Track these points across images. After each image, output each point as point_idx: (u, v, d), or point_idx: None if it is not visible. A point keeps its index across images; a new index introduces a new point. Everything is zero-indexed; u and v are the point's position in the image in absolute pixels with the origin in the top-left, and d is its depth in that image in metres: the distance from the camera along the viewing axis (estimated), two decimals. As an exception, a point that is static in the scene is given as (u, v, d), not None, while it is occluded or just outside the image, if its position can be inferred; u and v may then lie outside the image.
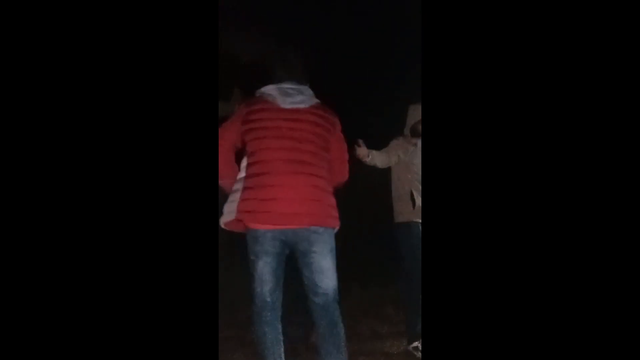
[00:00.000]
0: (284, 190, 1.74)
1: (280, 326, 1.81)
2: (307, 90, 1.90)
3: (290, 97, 1.84)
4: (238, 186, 1.88)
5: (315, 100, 1.89)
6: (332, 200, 1.83)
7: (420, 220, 2.56)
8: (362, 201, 4.87)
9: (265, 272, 1.77)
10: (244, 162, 1.91)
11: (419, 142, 2.66)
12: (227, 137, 1.89)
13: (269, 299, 1.78)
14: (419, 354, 2.56)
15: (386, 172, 2.77)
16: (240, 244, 1.94)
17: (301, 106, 1.84)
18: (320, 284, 1.76)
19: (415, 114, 2.67)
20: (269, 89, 1.87)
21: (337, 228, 1.84)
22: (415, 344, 2.59)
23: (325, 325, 1.77)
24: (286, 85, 1.86)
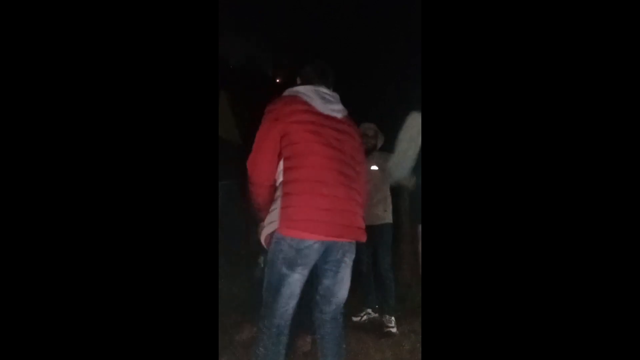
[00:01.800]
0: (339, 202, 1.64)
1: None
2: (338, 99, 1.82)
3: (329, 103, 1.75)
4: (278, 193, 1.70)
5: (346, 111, 1.82)
6: (363, 215, 1.79)
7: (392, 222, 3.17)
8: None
9: (298, 286, 1.64)
10: (281, 166, 1.71)
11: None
12: (269, 147, 1.69)
13: (289, 317, 1.65)
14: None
15: None
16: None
17: (339, 115, 1.76)
18: (337, 294, 1.74)
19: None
20: (307, 90, 1.74)
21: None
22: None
23: (331, 336, 1.74)
24: (323, 90, 1.76)
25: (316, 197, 1.61)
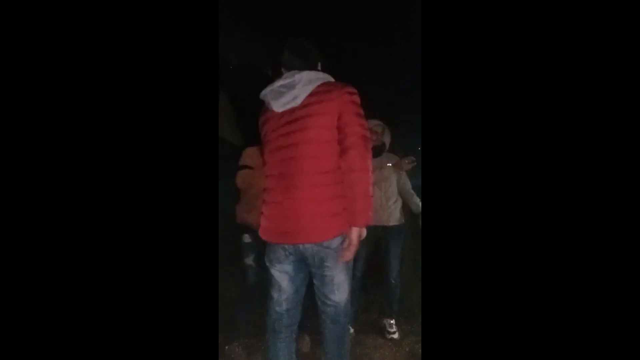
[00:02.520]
0: (277, 208, 1.64)
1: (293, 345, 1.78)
2: (305, 77, 1.61)
3: (282, 96, 1.62)
4: None
5: (315, 85, 1.60)
6: (337, 205, 1.57)
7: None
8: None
9: (284, 281, 1.73)
10: None
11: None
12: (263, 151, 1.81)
13: (283, 312, 1.74)
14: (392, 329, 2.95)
15: None
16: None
17: (294, 104, 1.60)
18: (330, 297, 1.69)
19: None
20: (264, 93, 1.70)
21: (345, 233, 1.61)
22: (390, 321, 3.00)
23: (332, 338, 1.72)
24: (278, 84, 1.65)
25: (265, 206, 1.72)
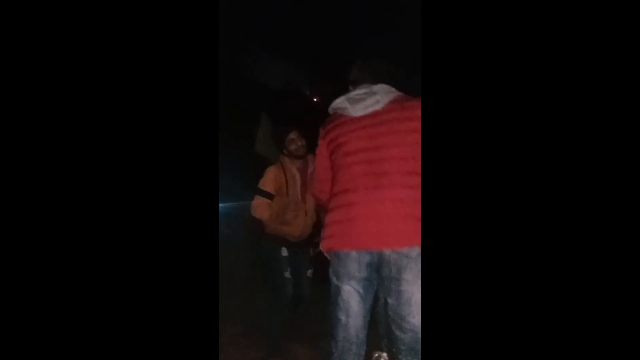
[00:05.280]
0: (362, 208, 1.53)
1: None
2: (383, 88, 1.65)
3: (363, 101, 1.64)
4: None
5: (394, 94, 1.64)
6: (420, 210, 1.45)
7: None
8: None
9: (354, 300, 1.55)
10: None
11: None
12: (321, 165, 1.80)
13: (354, 334, 1.55)
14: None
15: None
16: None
17: (377, 107, 1.61)
18: (407, 318, 1.46)
19: None
20: (338, 102, 1.71)
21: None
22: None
23: None
24: (355, 93, 1.68)
25: (339, 210, 1.60)
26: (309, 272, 2.79)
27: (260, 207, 2.62)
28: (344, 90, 1.77)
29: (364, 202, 1.53)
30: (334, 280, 1.60)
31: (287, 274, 2.65)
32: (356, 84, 1.72)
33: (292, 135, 2.72)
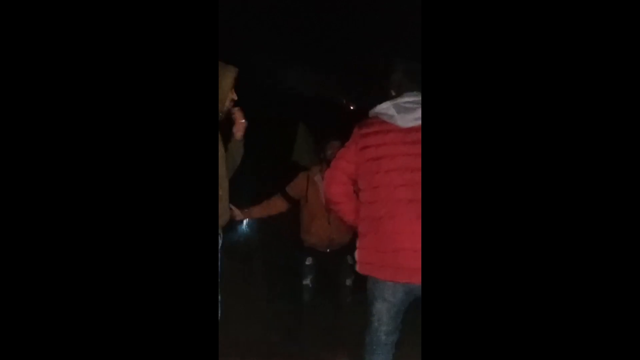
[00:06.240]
0: (406, 240, 1.45)
1: None
2: None
3: (413, 112, 1.49)
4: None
5: None
6: None
7: None
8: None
9: (385, 315, 1.56)
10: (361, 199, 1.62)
11: None
12: (343, 168, 1.63)
13: (384, 349, 1.57)
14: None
15: None
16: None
17: None
18: None
19: None
20: (384, 107, 1.55)
21: None
22: None
23: None
24: (404, 100, 1.53)
25: (379, 237, 1.51)
26: (348, 281, 2.78)
27: (274, 206, 2.66)
28: (376, 96, 1.63)
29: (408, 234, 1.44)
30: (369, 294, 1.60)
31: (307, 281, 2.71)
32: (401, 90, 1.58)
33: (335, 144, 2.77)
